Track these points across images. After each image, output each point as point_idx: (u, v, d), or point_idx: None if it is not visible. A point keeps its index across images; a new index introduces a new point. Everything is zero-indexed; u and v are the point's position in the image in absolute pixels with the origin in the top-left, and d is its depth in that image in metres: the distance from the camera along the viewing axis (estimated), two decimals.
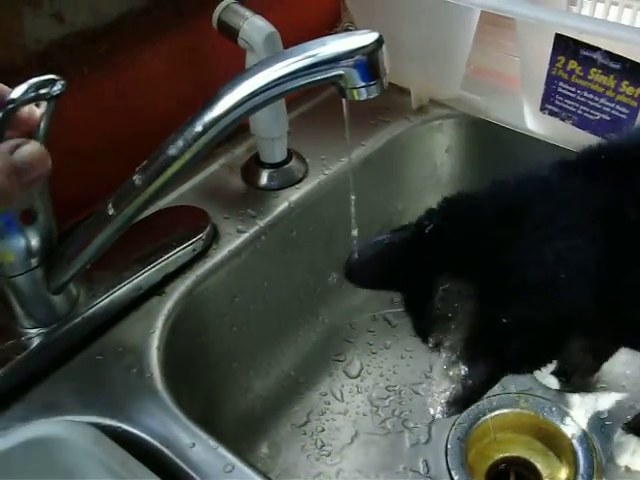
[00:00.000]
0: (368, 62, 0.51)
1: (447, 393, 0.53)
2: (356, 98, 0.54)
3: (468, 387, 0.52)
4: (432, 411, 0.54)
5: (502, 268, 0.54)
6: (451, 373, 0.53)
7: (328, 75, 0.52)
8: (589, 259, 0.54)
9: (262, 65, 0.53)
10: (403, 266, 0.61)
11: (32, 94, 0.54)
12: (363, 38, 0.51)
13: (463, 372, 0.52)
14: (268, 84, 0.52)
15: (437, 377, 0.54)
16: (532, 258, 0.53)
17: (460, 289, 0.55)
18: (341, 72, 0.52)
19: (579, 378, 0.85)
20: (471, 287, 0.54)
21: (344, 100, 0.56)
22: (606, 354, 0.81)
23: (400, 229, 0.62)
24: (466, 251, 0.56)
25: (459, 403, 0.53)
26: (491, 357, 0.53)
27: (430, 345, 0.59)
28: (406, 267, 0.60)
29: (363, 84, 0.52)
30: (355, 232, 0.71)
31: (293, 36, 0.66)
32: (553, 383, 0.85)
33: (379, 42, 0.51)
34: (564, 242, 0.53)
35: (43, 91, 0.55)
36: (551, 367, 0.84)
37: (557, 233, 0.54)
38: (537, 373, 0.86)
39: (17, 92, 0.53)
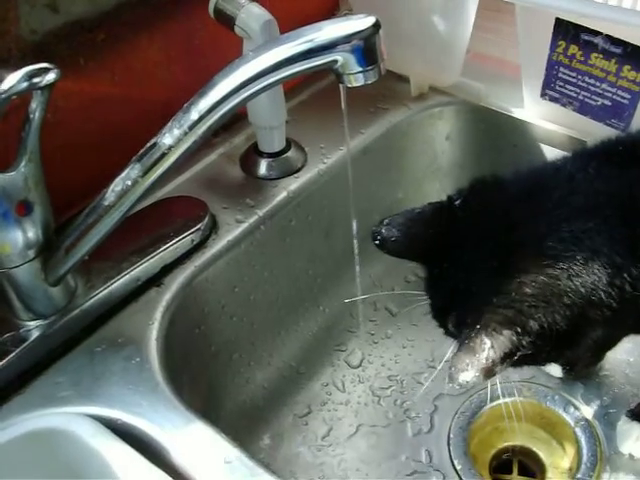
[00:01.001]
0: (365, 47, 0.51)
1: (467, 363, 0.53)
2: (354, 84, 0.53)
3: (490, 357, 0.53)
4: (450, 383, 0.54)
5: (522, 240, 0.57)
6: (472, 344, 0.53)
7: (325, 60, 0.51)
8: (604, 243, 0.55)
9: (258, 51, 0.52)
10: (431, 236, 0.63)
11: (25, 83, 0.53)
12: (360, 23, 0.51)
13: (486, 343, 0.53)
14: (264, 70, 0.51)
15: (457, 350, 0.55)
16: (551, 233, 0.56)
17: (484, 262, 0.57)
18: (338, 57, 0.51)
19: (583, 367, 0.84)
20: (492, 259, 0.57)
21: (341, 86, 0.55)
22: (611, 343, 0.81)
23: (431, 204, 0.65)
24: (489, 224, 0.59)
25: (480, 373, 0.53)
26: (514, 327, 0.53)
27: (449, 323, 0.61)
28: (434, 237, 0.62)
29: (360, 69, 0.52)
30: (354, 224, 0.71)
31: (290, 24, 0.65)
32: (556, 371, 0.85)
33: (376, 26, 0.51)
34: (580, 224, 0.56)
35: (36, 80, 0.54)
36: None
37: (573, 215, 0.57)
38: None
39: (10, 81, 0.52)
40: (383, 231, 0.64)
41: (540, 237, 0.56)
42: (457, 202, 0.62)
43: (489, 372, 0.53)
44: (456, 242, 0.61)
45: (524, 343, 0.54)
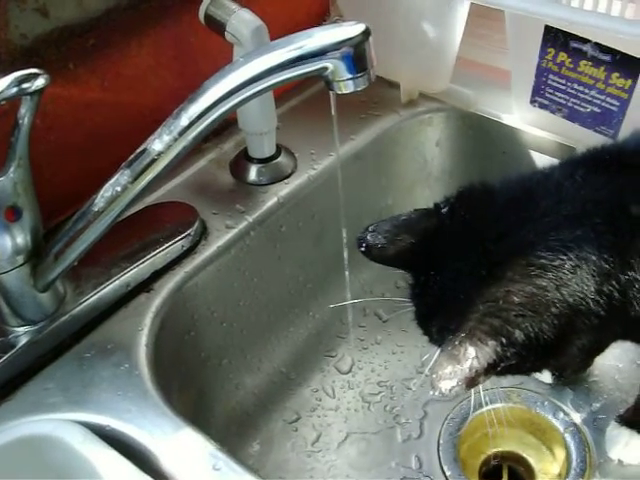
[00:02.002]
0: (355, 54, 0.51)
1: (449, 372, 0.52)
2: (343, 91, 0.53)
3: (474, 367, 0.52)
4: (432, 391, 0.53)
5: (510, 249, 0.56)
6: (456, 352, 0.53)
7: (315, 67, 0.51)
8: (592, 251, 0.55)
9: (248, 58, 0.52)
10: (417, 244, 0.62)
11: (14, 89, 0.53)
12: (350, 29, 0.51)
13: (470, 352, 0.52)
14: (254, 77, 0.51)
15: (439, 357, 0.54)
16: (539, 242, 0.56)
17: (471, 270, 0.57)
18: (328, 64, 0.51)
19: (572, 373, 0.85)
20: (480, 267, 0.56)
21: (332, 93, 0.55)
22: (599, 349, 0.81)
23: (417, 210, 0.65)
24: (477, 232, 0.59)
25: (463, 383, 0.53)
26: (499, 337, 0.53)
27: (433, 330, 0.61)
28: (419, 245, 0.62)
29: (350, 76, 0.52)
30: (344, 232, 0.71)
31: (280, 30, 0.66)
32: (546, 377, 0.85)
33: (366, 33, 0.51)
34: (569, 232, 0.56)
35: (25, 85, 0.54)
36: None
37: (562, 223, 0.57)
38: None
39: None
40: (368, 238, 0.64)
41: (528, 246, 0.56)
42: (444, 209, 0.62)
43: (472, 382, 0.53)
44: (443, 250, 0.60)
45: (509, 354, 0.53)
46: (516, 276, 0.55)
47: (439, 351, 0.56)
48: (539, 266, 0.55)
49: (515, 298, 0.54)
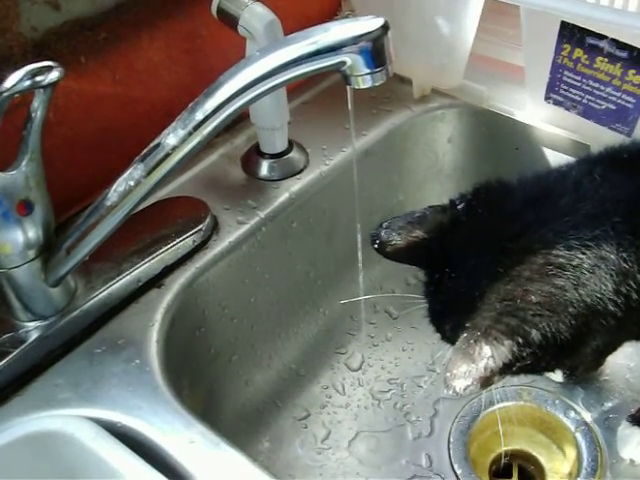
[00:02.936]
0: (373, 49, 0.50)
1: (464, 371, 0.52)
2: (361, 85, 0.52)
3: (489, 367, 0.52)
4: (445, 390, 0.53)
5: (528, 247, 0.56)
6: (471, 351, 0.52)
7: (332, 62, 0.51)
8: (611, 250, 0.55)
9: (264, 52, 0.51)
10: (432, 241, 0.62)
11: (28, 81, 0.53)
12: (368, 24, 0.50)
13: (485, 351, 0.52)
14: (271, 71, 0.51)
15: (453, 355, 0.53)
16: (558, 240, 0.55)
17: (487, 268, 0.56)
18: (345, 59, 0.50)
19: (584, 372, 0.84)
20: (497, 265, 0.56)
21: (348, 88, 0.55)
22: (612, 349, 0.81)
23: (432, 207, 0.64)
24: (494, 229, 0.58)
25: (477, 382, 0.52)
26: (516, 337, 0.52)
27: (446, 328, 0.60)
28: (434, 241, 0.61)
29: (368, 71, 0.51)
30: (358, 226, 0.70)
31: (292, 25, 0.65)
32: (557, 376, 0.84)
33: (385, 28, 0.50)
34: (588, 231, 0.55)
35: (39, 78, 0.53)
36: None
37: (581, 222, 0.56)
38: None
39: (12, 79, 0.52)
40: (382, 235, 0.64)
41: (547, 244, 0.55)
42: (460, 206, 0.62)
43: (486, 382, 0.52)
44: (458, 247, 0.60)
45: (525, 354, 0.53)
46: (534, 275, 0.54)
47: (453, 349, 0.55)
48: (558, 265, 0.54)
49: (533, 297, 0.53)
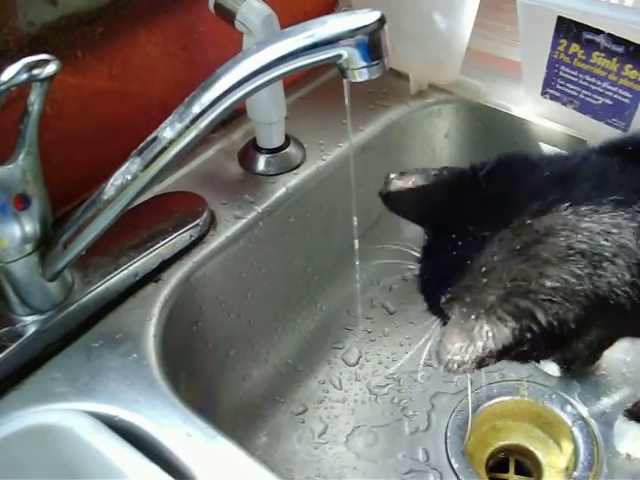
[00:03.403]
0: (370, 42, 0.50)
1: (460, 347, 0.49)
2: (358, 79, 0.52)
3: (488, 347, 0.49)
4: (438, 364, 0.50)
5: (550, 228, 0.53)
6: (470, 328, 0.50)
7: (329, 55, 0.51)
8: (631, 239, 0.52)
9: (261, 45, 0.51)
10: (445, 202, 0.58)
11: (25, 75, 0.53)
12: (365, 17, 0.50)
13: (486, 330, 0.49)
14: (267, 64, 0.51)
15: (450, 329, 0.51)
16: (581, 225, 0.52)
17: (502, 242, 0.53)
18: (343, 52, 0.50)
19: (580, 366, 0.84)
20: (514, 242, 0.53)
21: (345, 82, 0.55)
22: (610, 342, 0.81)
23: (448, 168, 0.61)
24: (515, 203, 0.55)
25: (473, 362, 0.50)
26: (521, 320, 0.50)
27: (441, 299, 0.55)
28: (447, 203, 0.58)
29: (365, 64, 0.51)
30: (355, 220, 0.70)
31: (289, 20, 0.65)
32: (554, 370, 0.85)
33: (381, 21, 0.50)
34: (611, 218, 0.53)
35: (36, 72, 0.53)
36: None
37: (604, 209, 0.53)
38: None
39: (9, 72, 0.52)
40: (393, 184, 0.61)
41: (570, 227, 0.52)
42: (482, 172, 0.58)
43: (482, 362, 0.50)
44: (473, 214, 0.56)
45: (525, 339, 0.50)
46: (553, 259, 0.51)
47: (449, 322, 0.52)
48: (579, 251, 0.51)
49: (548, 282, 0.50)
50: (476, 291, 0.52)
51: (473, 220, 0.55)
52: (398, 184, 0.61)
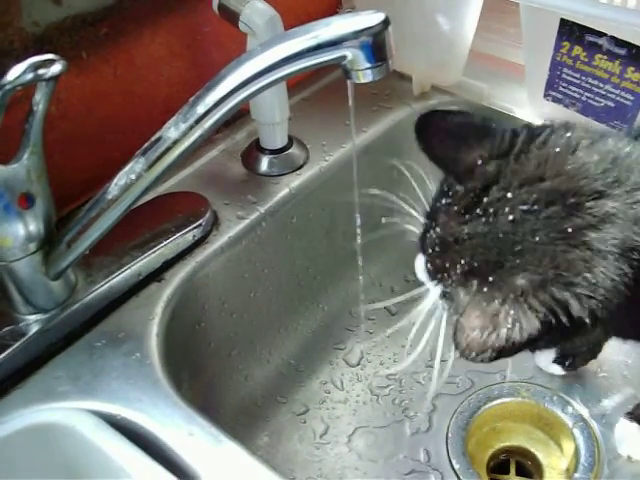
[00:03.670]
0: (374, 43, 0.50)
1: (481, 335, 0.45)
2: (362, 80, 0.53)
3: (513, 339, 0.45)
4: (453, 351, 0.47)
5: (606, 214, 0.47)
6: (495, 313, 0.45)
7: (333, 56, 0.51)
8: None
9: (266, 46, 0.52)
10: (487, 156, 0.51)
11: (30, 74, 0.53)
12: (369, 18, 0.50)
13: (514, 319, 0.45)
14: (272, 65, 0.51)
15: (471, 310, 0.46)
16: (632, 216, 0.47)
17: (549, 220, 0.47)
18: (346, 53, 0.51)
19: (583, 360, 0.84)
20: (564, 222, 0.47)
21: (349, 83, 0.55)
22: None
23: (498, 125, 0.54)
24: (572, 179, 0.48)
25: (492, 352, 0.45)
26: (555, 313, 0.45)
27: (452, 270, 0.50)
28: (488, 159, 0.51)
29: (369, 65, 0.51)
30: (358, 220, 0.70)
31: (293, 21, 0.65)
32: (557, 370, 0.85)
33: (385, 23, 0.50)
34: None
35: (42, 71, 0.54)
36: (551, 357, 0.84)
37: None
38: (541, 363, 0.85)
39: (15, 72, 0.52)
40: (434, 120, 0.55)
41: (630, 219, 0.46)
42: (538, 137, 0.51)
43: (501, 354, 0.45)
44: (516, 181, 0.49)
45: (551, 331, 0.45)
46: (609, 255, 0.46)
47: (471, 303, 0.47)
48: (634, 248, 0.46)
49: (594, 277, 0.45)
50: (505, 271, 0.47)
51: (517, 189, 0.49)
52: (436, 124, 0.55)
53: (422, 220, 0.56)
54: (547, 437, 0.83)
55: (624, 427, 0.78)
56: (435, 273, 0.53)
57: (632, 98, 0.77)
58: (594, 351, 0.84)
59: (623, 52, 0.75)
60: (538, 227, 0.47)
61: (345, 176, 0.79)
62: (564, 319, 0.45)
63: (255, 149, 0.87)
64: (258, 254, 0.82)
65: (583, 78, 0.81)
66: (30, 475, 0.61)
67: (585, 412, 0.82)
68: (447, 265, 0.51)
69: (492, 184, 0.50)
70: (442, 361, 0.88)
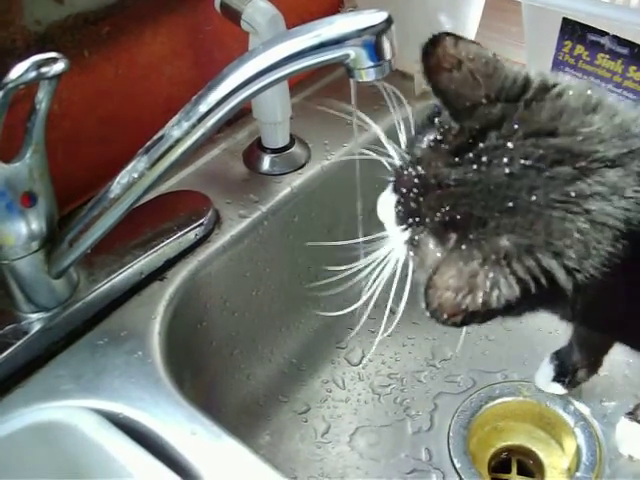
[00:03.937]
0: (377, 42, 0.51)
1: (455, 295, 0.41)
2: (364, 79, 0.53)
3: (490, 303, 0.41)
4: (422, 306, 0.42)
5: (615, 187, 0.43)
6: (473, 273, 0.41)
7: (336, 55, 0.51)
8: None
9: (268, 44, 0.52)
10: (494, 99, 0.47)
11: (33, 73, 0.53)
12: (372, 17, 0.50)
13: (494, 282, 0.41)
14: (275, 63, 0.51)
15: (445, 264, 0.42)
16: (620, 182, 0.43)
17: (549, 181, 0.43)
18: (349, 52, 0.51)
19: (584, 376, 0.82)
20: (566, 185, 0.43)
21: (352, 81, 0.55)
22: (607, 347, 0.79)
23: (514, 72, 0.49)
24: (583, 143, 0.44)
25: (465, 316, 0.42)
26: (539, 279, 0.41)
27: (434, 216, 0.46)
28: (493, 103, 0.47)
29: (372, 64, 0.52)
30: (360, 218, 0.70)
31: (295, 20, 0.65)
32: (557, 389, 0.82)
33: (388, 22, 0.50)
34: None
35: (44, 70, 0.54)
36: (551, 376, 0.82)
37: None
38: (540, 383, 0.83)
39: (18, 70, 0.52)
40: (444, 46, 0.49)
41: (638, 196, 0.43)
42: (550, 90, 0.47)
43: (473, 318, 0.42)
44: (522, 133, 0.44)
45: (530, 298, 0.41)
46: (608, 230, 0.42)
47: (445, 258, 0.43)
48: (636, 224, 0.43)
49: (590, 252, 0.42)
50: (489, 229, 0.43)
51: (521, 137, 0.44)
52: (451, 51, 0.49)
53: (401, 152, 0.52)
54: (548, 436, 0.83)
55: (625, 426, 0.78)
56: (406, 217, 0.49)
57: (634, 97, 0.77)
58: (594, 366, 0.82)
59: (625, 51, 0.75)
60: (537, 185, 0.43)
61: (347, 175, 0.79)
62: (546, 286, 0.42)
63: (257, 148, 0.87)
64: (260, 253, 0.82)
65: (585, 77, 0.80)
66: (32, 474, 0.61)
67: (586, 411, 0.82)
68: (423, 210, 0.46)
69: (492, 128, 0.45)
70: (443, 360, 0.90)
